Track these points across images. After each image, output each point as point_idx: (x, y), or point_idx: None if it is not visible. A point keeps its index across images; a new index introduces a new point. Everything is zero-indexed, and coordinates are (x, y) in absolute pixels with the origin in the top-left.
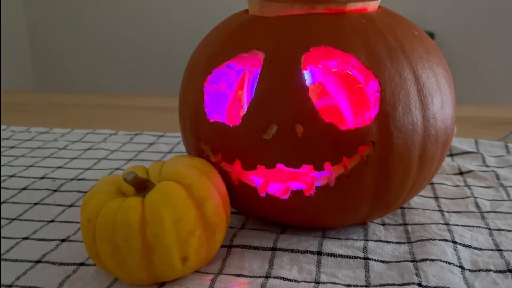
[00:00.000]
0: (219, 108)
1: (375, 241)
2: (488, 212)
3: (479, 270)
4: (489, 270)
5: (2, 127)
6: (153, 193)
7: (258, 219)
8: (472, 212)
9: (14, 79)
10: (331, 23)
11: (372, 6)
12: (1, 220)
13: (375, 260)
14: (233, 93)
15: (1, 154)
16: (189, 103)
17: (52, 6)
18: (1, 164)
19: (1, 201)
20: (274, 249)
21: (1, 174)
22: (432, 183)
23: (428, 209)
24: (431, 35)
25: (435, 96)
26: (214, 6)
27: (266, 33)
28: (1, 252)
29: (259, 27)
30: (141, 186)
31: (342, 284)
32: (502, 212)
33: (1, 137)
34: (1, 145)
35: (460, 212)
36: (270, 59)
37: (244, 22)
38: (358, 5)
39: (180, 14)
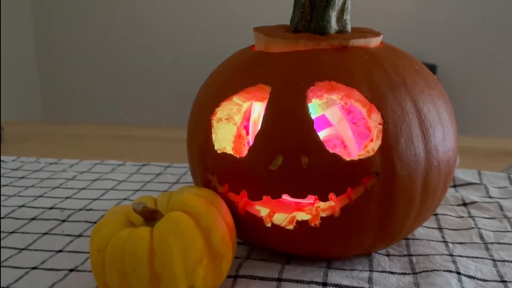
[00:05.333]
0: (226, 140)
1: (380, 272)
2: (492, 243)
3: None
4: None
5: (12, 157)
6: (161, 223)
7: (263, 250)
8: (476, 243)
9: (24, 111)
10: (334, 59)
11: (374, 42)
12: (11, 250)
13: None
14: (240, 125)
15: (11, 184)
16: (197, 135)
17: (61, 38)
18: (11, 194)
19: (11, 231)
20: (279, 280)
21: (11, 205)
22: (436, 214)
23: (433, 240)
24: (433, 67)
25: (437, 129)
26: (222, 41)
27: (272, 68)
28: (10, 281)
29: (265, 62)
30: (150, 216)
31: None
32: (506, 243)
33: (11, 167)
34: (11, 175)
35: (464, 243)
36: (276, 93)
37: (251, 57)
38: (361, 41)
39: (188, 47)
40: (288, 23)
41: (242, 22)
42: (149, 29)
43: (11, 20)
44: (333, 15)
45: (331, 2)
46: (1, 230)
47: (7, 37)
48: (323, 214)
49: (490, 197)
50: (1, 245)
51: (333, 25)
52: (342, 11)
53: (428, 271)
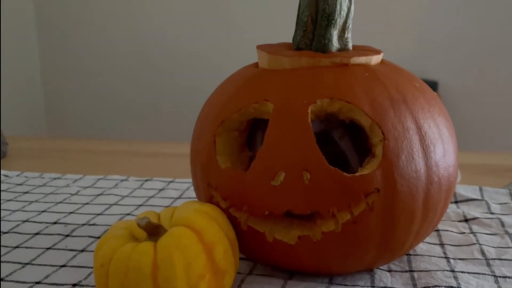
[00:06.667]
0: (229, 155)
1: (381, 287)
2: (494, 259)
3: None
4: None
5: (16, 172)
6: (164, 238)
7: (266, 265)
8: (477, 259)
9: (28, 126)
10: (336, 76)
11: (375, 60)
12: (14, 264)
13: None
14: (243, 141)
15: (15, 199)
16: (200, 150)
17: (66, 53)
18: (15, 209)
19: (15, 245)
20: None
21: (15, 220)
22: (437, 230)
23: (434, 256)
24: (435, 84)
25: (437, 145)
26: (226, 58)
27: (275, 85)
28: None
29: (268, 80)
30: (153, 231)
31: None
32: (507, 260)
33: (15, 182)
34: (15, 190)
35: (465, 259)
36: (279, 110)
37: (254, 74)
38: (362, 59)
39: (192, 65)
40: (291, 41)
41: (246, 40)
42: (153, 46)
43: (15, 34)
44: (335, 34)
45: (333, 21)
46: (6, 245)
47: (12, 52)
48: (325, 229)
49: (492, 213)
50: (6, 259)
51: (335, 43)
52: (343, 29)
53: (429, 287)
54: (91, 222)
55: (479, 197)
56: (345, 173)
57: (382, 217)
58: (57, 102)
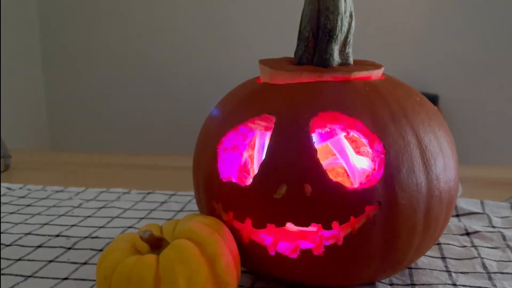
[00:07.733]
0: (232, 168)
1: None
2: (495, 273)
3: None
4: None
5: (19, 185)
6: (167, 251)
7: (267, 278)
8: (479, 272)
9: (31, 139)
10: (337, 90)
11: (376, 74)
12: (17, 277)
13: None
14: (245, 154)
15: (17, 212)
16: (203, 164)
17: (69, 67)
18: (17, 222)
19: (17, 258)
20: None
21: (17, 232)
22: (439, 243)
23: (436, 269)
24: (435, 97)
25: (438, 159)
26: (228, 72)
27: (277, 99)
28: None
29: (270, 93)
30: (156, 244)
31: None
32: (509, 273)
33: (18, 195)
34: (18, 203)
35: (467, 272)
36: (281, 123)
37: (256, 88)
38: (363, 74)
39: (195, 79)
40: (292, 56)
41: (248, 54)
42: (157, 61)
43: (18, 46)
44: (336, 49)
45: (334, 36)
46: (8, 257)
47: (15, 66)
48: (327, 243)
49: (493, 227)
50: (8, 272)
51: (336, 58)
52: (344, 44)
53: None
54: (94, 235)
55: (481, 211)
56: (346, 186)
57: (384, 230)
58: (60, 115)
